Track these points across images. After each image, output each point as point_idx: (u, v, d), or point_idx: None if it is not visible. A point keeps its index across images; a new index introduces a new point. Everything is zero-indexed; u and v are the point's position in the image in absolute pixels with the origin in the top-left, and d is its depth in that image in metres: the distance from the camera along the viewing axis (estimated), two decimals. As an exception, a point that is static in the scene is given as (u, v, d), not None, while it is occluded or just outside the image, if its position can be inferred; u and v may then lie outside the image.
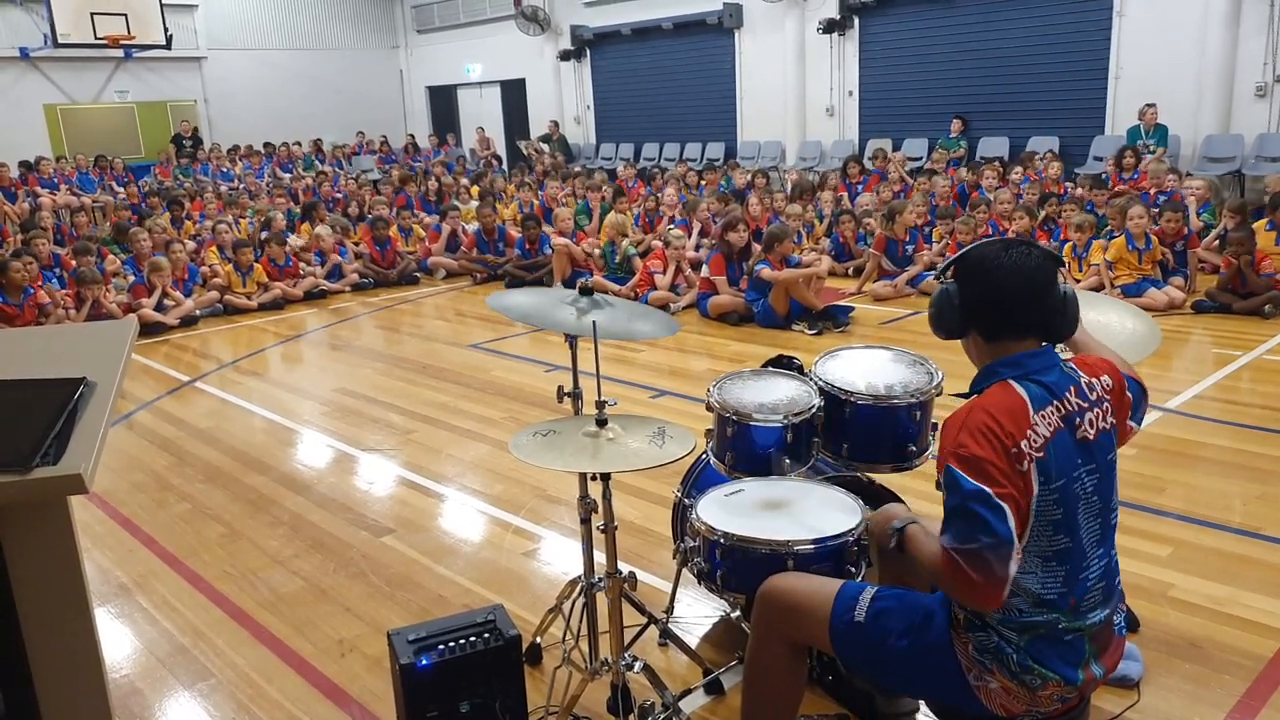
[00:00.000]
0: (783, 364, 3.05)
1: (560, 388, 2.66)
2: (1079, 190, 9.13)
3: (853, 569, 2.29)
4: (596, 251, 9.07)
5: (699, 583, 2.40)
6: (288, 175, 17.55)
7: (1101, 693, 2.55)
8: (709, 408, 2.78)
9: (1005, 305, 1.93)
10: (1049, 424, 1.82)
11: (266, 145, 18.90)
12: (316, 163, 18.86)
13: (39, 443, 1.44)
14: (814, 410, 2.70)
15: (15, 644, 1.56)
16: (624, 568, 2.12)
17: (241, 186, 15.85)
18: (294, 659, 3.10)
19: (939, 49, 13.98)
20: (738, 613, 2.76)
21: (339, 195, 13.67)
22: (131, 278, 8.59)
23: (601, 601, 2.72)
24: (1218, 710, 2.61)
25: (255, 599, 3.51)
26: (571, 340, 2.59)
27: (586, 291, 2.51)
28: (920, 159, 13.51)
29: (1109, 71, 12.48)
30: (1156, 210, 7.76)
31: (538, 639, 2.98)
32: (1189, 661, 2.83)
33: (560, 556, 3.74)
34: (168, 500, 4.51)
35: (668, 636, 2.81)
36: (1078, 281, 7.40)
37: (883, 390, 2.73)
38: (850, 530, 2.26)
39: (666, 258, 8.12)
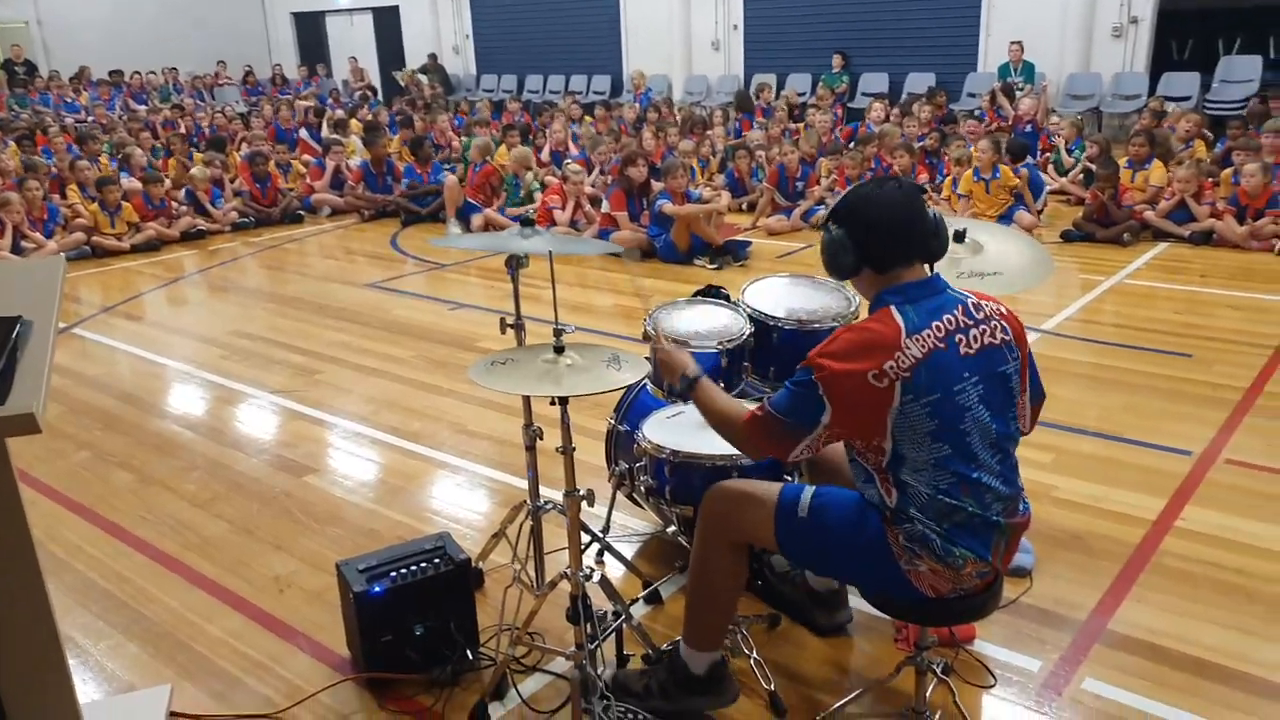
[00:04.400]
0: (711, 294, 3.18)
1: (503, 319, 2.70)
2: (965, 125, 9.51)
3: (789, 477, 2.46)
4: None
5: (646, 500, 2.53)
6: (142, 107, 16.45)
7: (1004, 583, 2.82)
8: (646, 336, 2.88)
9: (891, 236, 2.09)
10: (923, 345, 1.99)
11: (113, 74, 17.61)
12: (174, 94, 17.75)
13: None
14: (745, 337, 2.83)
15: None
16: (581, 488, 2.22)
17: (91, 120, 14.80)
18: (231, 598, 3.09)
19: (820, -17, 14.19)
20: (673, 528, 2.91)
21: (206, 130, 12.98)
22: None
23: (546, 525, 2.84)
24: (1097, 590, 2.93)
25: (179, 543, 3.46)
26: (512, 271, 2.63)
27: (528, 222, 2.55)
28: (805, 94, 13.77)
29: (981, 10, 12.97)
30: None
31: (479, 564, 3.06)
32: (1072, 551, 3.16)
33: (487, 488, 3.82)
34: (64, 449, 4.34)
35: (608, 552, 2.94)
36: (954, 213, 7.80)
37: (805, 315, 2.89)
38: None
39: (565, 192, 8.11)
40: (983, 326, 2.09)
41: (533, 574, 2.85)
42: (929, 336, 2.00)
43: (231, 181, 9.78)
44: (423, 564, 2.65)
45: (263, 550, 3.38)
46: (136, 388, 5.16)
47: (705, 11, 15.46)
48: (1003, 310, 2.15)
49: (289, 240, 8.95)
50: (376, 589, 2.57)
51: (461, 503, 3.72)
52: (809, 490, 2.19)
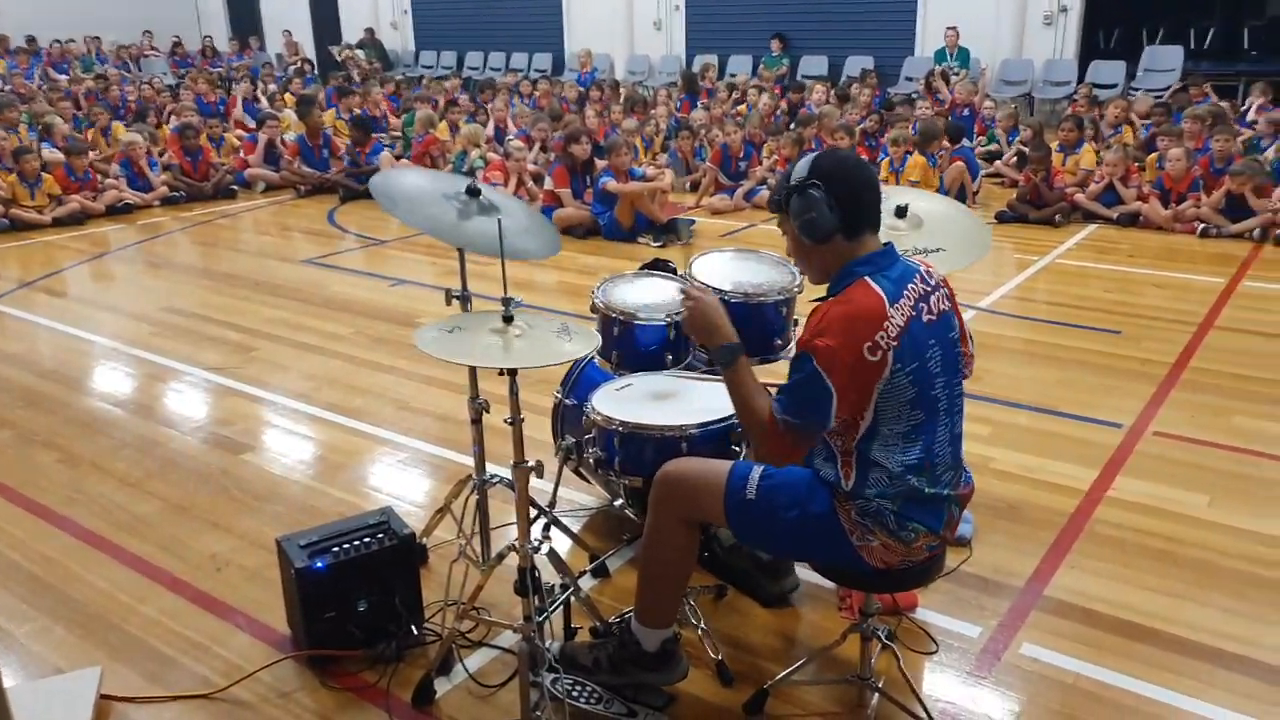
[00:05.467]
0: (658, 267, 3.16)
1: (448, 291, 2.65)
2: (904, 108, 9.63)
3: (736, 449, 2.47)
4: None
5: (595, 472, 2.51)
6: (64, 77, 15.79)
7: (945, 551, 2.88)
8: (594, 309, 2.86)
9: (865, 198, 2.10)
10: (903, 314, 2.02)
11: (30, 40, 16.87)
12: (97, 64, 17.09)
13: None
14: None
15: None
16: (529, 459, 2.19)
17: (8, 88, 14.17)
18: (165, 577, 3.00)
19: (762, -34, 14.20)
20: (620, 501, 2.90)
21: (133, 101, 12.52)
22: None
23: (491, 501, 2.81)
24: (1033, 558, 3.01)
25: (110, 522, 3.34)
26: (461, 251, 2.58)
27: (474, 192, 2.50)
28: (734, 75, 13.77)
29: (917, -5, 13.12)
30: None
31: (424, 540, 3.02)
32: (1009, 521, 3.23)
33: (430, 464, 3.77)
34: (-15, 428, 4.17)
35: (556, 526, 2.92)
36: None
37: (752, 289, 2.90)
38: (732, 415, 2.43)
39: (507, 169, 8.01)
40: (936, 294, 2.12)
41: (478, 549, 2.83)
42: (905, 305, 2.02)
43: (160, 155, 9.46)
44: (366, 539, 2.60)
45: (198, 528, 3.29)
46: (61, 365, 4.97)
47: (648, -10, 15.38)
48: (942, 276, 2.18)
49: (221, 216, 8.70)
50: (319, 564, 2.52)
51: (404, 479, 3.66)
52: (757, 470, 2.19)
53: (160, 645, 2.66)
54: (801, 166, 2.11)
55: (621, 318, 2.77)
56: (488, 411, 2.69)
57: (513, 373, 2.13)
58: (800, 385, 1.99)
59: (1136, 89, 11.24)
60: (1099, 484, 3.46)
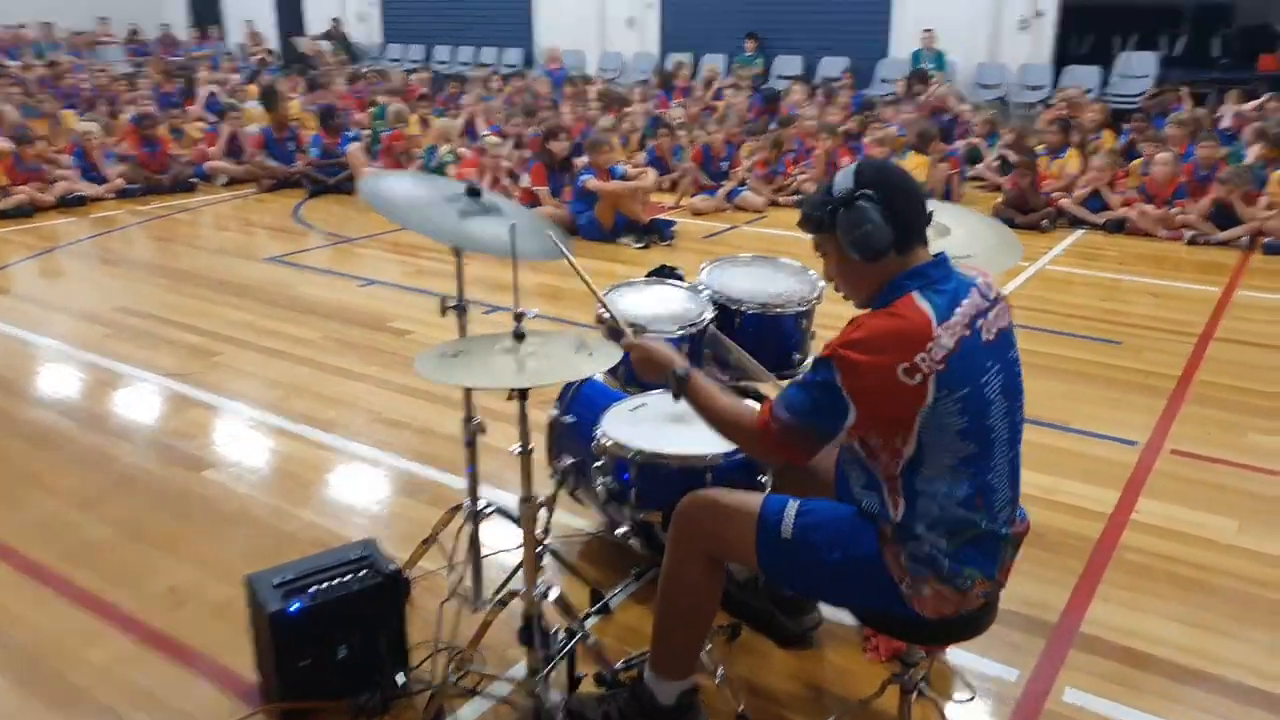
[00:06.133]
0: (664, 275, 2.94)
1: (443, 300, 2.40)
2: (885, 110, 9.49)
3: (762, 478, 2.25)
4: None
5: (606, 504, 2.28)
6: (14, 63, 15.17)
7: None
8: (600, 320, 2.62)
9: (915, 207, 1.89)
10: (953, 334, 1.80)
11: (-20, 26, 16.22)
12: (49, 50, 16.45)
13: None
14: (706, 321, 2.61)
15: None
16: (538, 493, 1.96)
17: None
18: (117, 615, 2.71)
19: (737, -36, 14.02)
20: (622, 529, 2.67)
21: (86, 90, 12.02)
22: None
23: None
24: (1063, 589, 2.83)
25: (56, 550, 3.04)
26: (458, 251, 2.33)
27: (474, 192, 2.25)
28: (711, 68, 13.56)
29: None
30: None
31: (407, 573, 2.76)
32: (1033, 547, 3.01)
33: (411, 484, 3.50)
34: (-81, 441, 3.83)
35: (554, 557, 2.69)
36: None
37: (769, 298, 2.69)
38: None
39: (482, 166, 7.73)
40: (996, 308, 1.91)
41: (470, 584, 2.58)
42: (957, 324, 1.80)
43: (116, 146, 9.03)
44: (346, 576, 2.34)
45: (157, 557, 3.00)
46: (4, 370, 4.62)
47: (621, -12, 15.13)
48: (1001, 289, 1.98)
49: (181, 210, 8.30)
50: (294, 607, 2.25)
51: (383, 500, 3.40)
52: (793, 506, 1.97)
53: (110, 698, 2.38)
54: (844, 178, 1.88)
55: (631, 330, 2.53)
56: (484, 433, 2.44)
57: (523, 394, 1.89)
58: (813, 388, 1.81)
59: (1112, 95, 11.21)
60: (1122, 507, 3.29)
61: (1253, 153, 7.35)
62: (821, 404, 1.80)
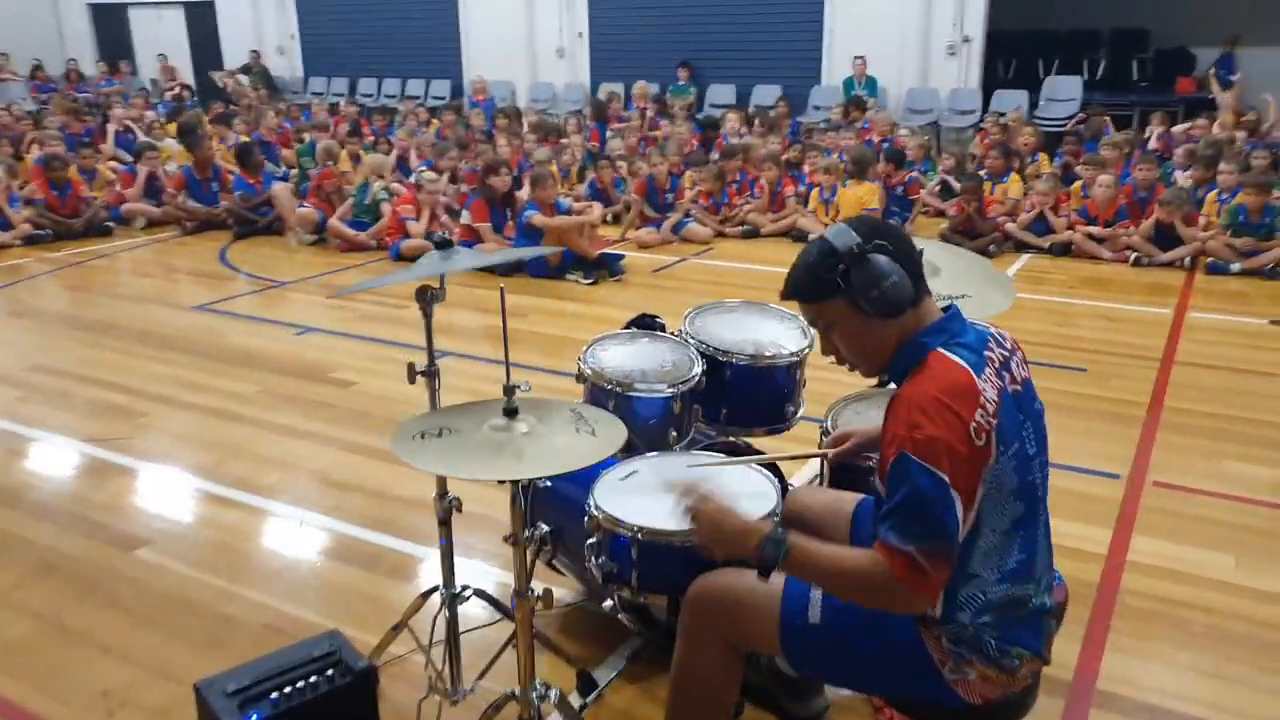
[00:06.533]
0: (643, 324, 2.74)
1: (411, 365, 2.16)
2: (825, 138, 9.49)
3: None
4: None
5: (604, 585, 2.06)
6: (-94, 103, 14.36)
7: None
8: (580, 378, 2.41)
9: (915, 256, 1.74)
10: (994, 386, 1.66)
11: None
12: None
13: None
14: (698, 377, 2.42)
15: None
16: (537, 585, 1.74)
17: None
18: (42, 728, 2.39)
19: (667, -6, 14.05)
20: (611, 604, 2.45)
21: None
22: None
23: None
24: (1073, 641, 2.69)
25: (-33, 652, 2.69)
26: (427, 304, 2.10)
27: (445, 243, 2.03)
28: (652, 97, 13.51)
29: (823, 25, 13.14)
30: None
31: (373, 661, 2.49)
32: (1034, 597, 2.91)
33: (369, 555, 3.22)
34: None
35: (536, 637, 2.45)
36: (824, 225, 7.71)
37: (757, 349, 2.51)
38: (773, 511, 2.02)
39: (419, 202, 7.46)
40: (1015, 358, 1.77)
41: (448, 673, 2.33)
42: (991, 376, 1.65)
43: (21, 189, 8.51)
44: (313, 677, 2.09)
45: (86, 656, 2.67)
46: (-97, 442, 4.20)
47: (549, 18, 15.01)
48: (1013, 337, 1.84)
49: (96, 256, 7.83)
50: (255, 718, 1.98)
51: (337, 575, 3.11)
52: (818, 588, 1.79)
53: (40, 835, 2.07)
54: (844, 234, 1.69)
55: (618, 389, 2.34)
56: (459, 511, 2.21)
57: (527, 486, 1.66)
58: (912, 499, 1.56)
59: (1040, 118, 11.45)
60: (1116, 547, 3.19)
61: (1188, 176, 7.50)
62: (928, 508, 1.55)
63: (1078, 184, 7.57)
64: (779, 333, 2.57)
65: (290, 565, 3.18)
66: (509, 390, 1.68)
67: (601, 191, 8.81)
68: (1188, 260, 6.72)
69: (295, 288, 6.77)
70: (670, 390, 2.37)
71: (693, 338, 2.53)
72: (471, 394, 4.17)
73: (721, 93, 13.78)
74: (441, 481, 2.20)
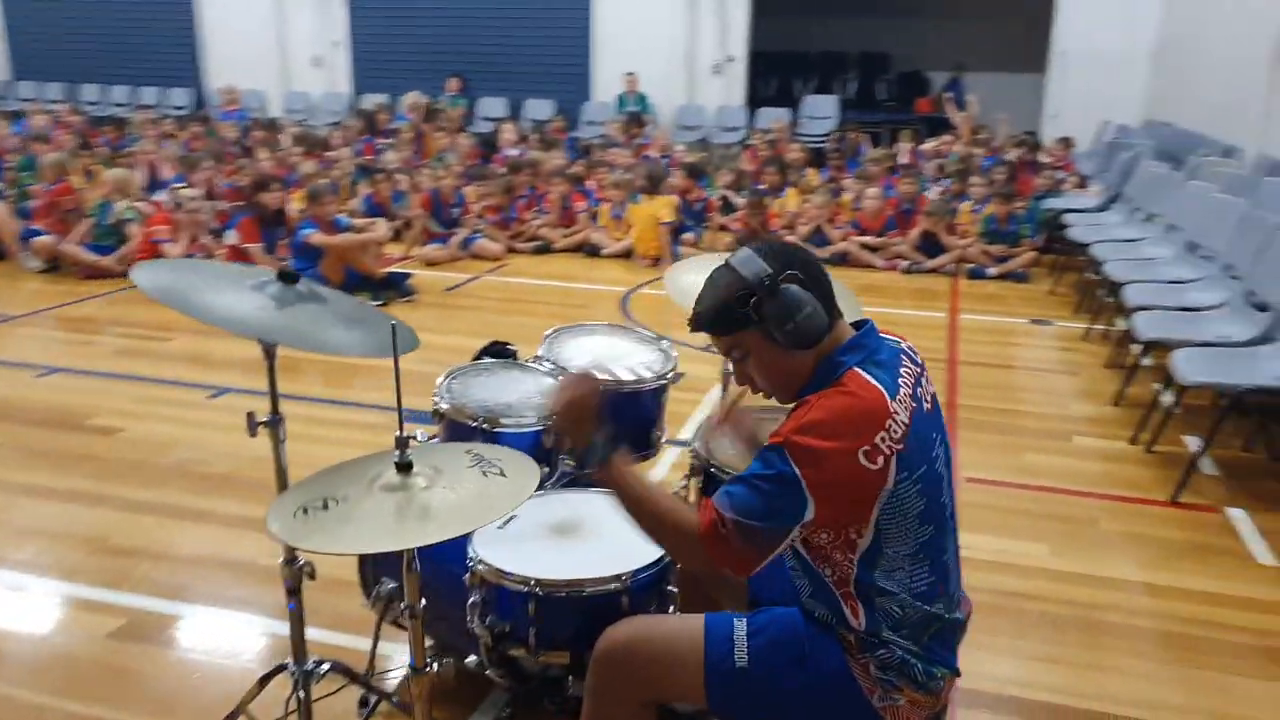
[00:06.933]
0: (495, 352, 2.52)
1: (251, 415, 1.83)
2: (607, 153, 9.50)
3: (674, 589, 1.93)
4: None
5: (491, 647, 1.83)
6: None
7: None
8: (438, 415, 2.17)
9: (825, 277, 1.69)
10: (906, 409, 1.62)
11: None
12: None
13: None
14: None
15: None
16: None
17: None
18: None
19: (432, 3, 13.64)
20: (475, 659, 2.22)
21: None
22: None
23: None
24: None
25: None
26: (269, 348, 1.79)
27: (290, 278, 1.74)
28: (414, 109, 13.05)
29: (590, 40, 13.27)
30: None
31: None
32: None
33: (177, 631, 2.77)
34: None
35: (389, 702, 2.18)
36: (618, 240, 7.71)
37: (627, 374, 2.38)
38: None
39: (176, 222, 6.71)
40: (925, 374, 1.74)
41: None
42: (905, 396, 1.61)
43: None
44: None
45: None
46: None
47: (303, 25, 14.15)
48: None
49: None
50: None
51: (135, 664, 2.64)
52: (740, 625, 1.69)
53: None
54: (750, 263, 1.62)
55: (484, 425, 2.11)
56: (313, 578, 1.91)
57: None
58: (766, 484, 1.54)
59: (801, 135, 12.13)
60: (948, 544, 3.32)
61: (941, 189, 8.15)
62: (777, 501, 1.53)
63: (847, 197, 8.03)
64: (642, 356, 2.45)
65: (80, 656, 2.66)
66: (401, 442, 1.43)
67: (379, 207, 8.34)
68: (951, 267, 7.30)
69: (26, 323, 5.86)
70: (540, 424, 2.18)
71: (553, 363, 2.35)
72: (307, 439, 3.73)
73: (493, 106, 13.57)
74: (290, 547, 1.89)
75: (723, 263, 1.68)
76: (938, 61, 13.39)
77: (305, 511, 1.33)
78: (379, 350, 1.61)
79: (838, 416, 1.54)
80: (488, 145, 10.63)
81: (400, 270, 6.78)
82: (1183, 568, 3.21)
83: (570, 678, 1.92)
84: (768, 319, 1.59)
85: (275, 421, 1.82)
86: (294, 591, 1.90)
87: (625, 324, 2.70)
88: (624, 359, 2.42)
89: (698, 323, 1.68)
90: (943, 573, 1.70)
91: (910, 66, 13.88)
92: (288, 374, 5.23)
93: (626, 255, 7.64)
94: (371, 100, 13.48)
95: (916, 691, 1.66)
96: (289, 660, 1.96)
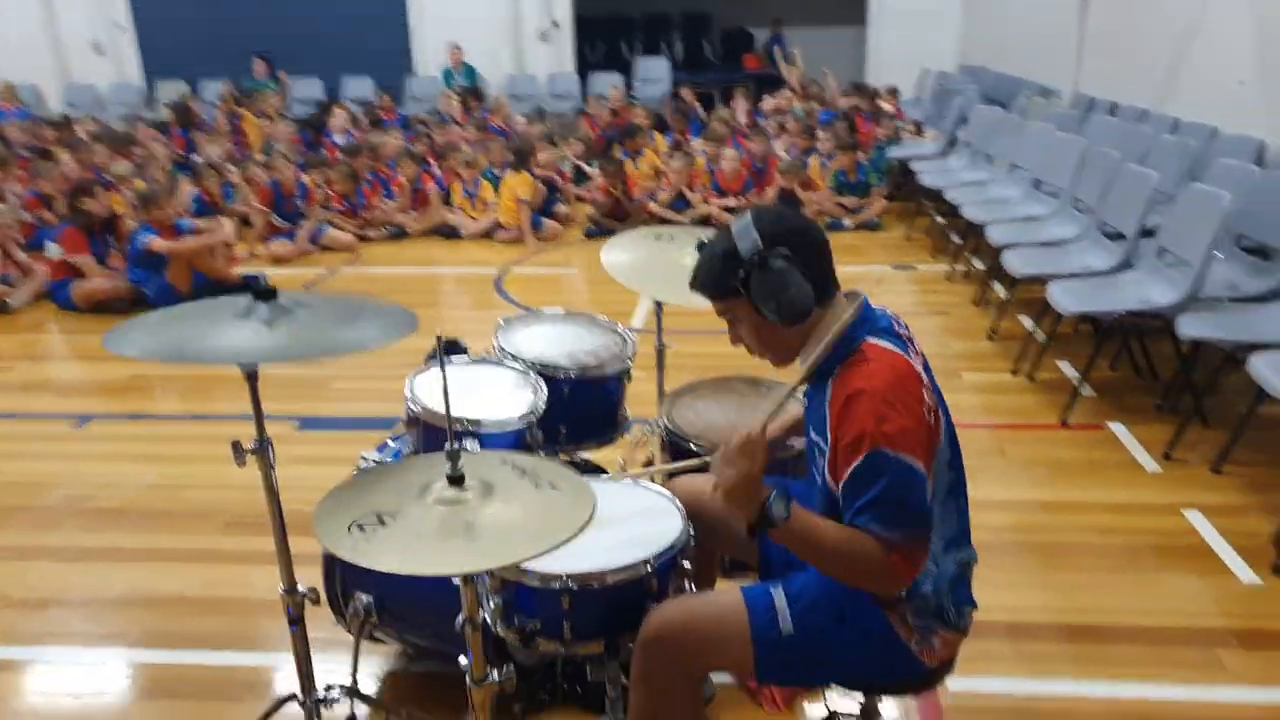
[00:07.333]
0: (449, 350, 2.42)
1: (237, 444, 1.68)
2: (448, 130, 9.23)
3: (688, 564, 1.94)
4: None
5: (524, 646, 1.78)
6: None
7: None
8: (412, 420, 2.07)
9: (825, 252, 1.73)
10: (919, 364, 1.70)
11: None
12: None
13: None
14: (544, 400, 2.20)
15: None
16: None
17: None
18: None
19: (232, -17, 12.76)
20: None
21: None
22: None
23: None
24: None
25: None
26: (251, 374, 1.65)
27: (266, 294, 1.60)
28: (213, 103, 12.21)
29: (407, 14, 12.79)
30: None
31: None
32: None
33: (160, 681, 2.53)
34: None
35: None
36: (474, 219, 7.53)
37: (590, 360, 2.35)
38: (685, 528, 1.90)
39: (-12, 238, 6.02)
40: (916, 342, 1.81)
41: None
42: (915, 355, 1.68)
43: None
44: None
45: None
46: None
47: (75, 8, 12.88)
48: None
49: None
50: None
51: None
52: (778, 593, 1.72)
53: None
54: (746, 234, 1.63)
55: (467, 428, 2.03)
56: (316, 603, 1.79)
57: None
58: (890, 491, 1.54)
59: (635, 99, 12.17)
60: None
61: (787, 145, 8.36)
62: (912, 495, 1.56)
63: (700, 160, 8.13)
64: (601, 340, 2.43)
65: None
66: (453, 455, 1.35)
67: (210, 204, 7.78)
68: (810, 221, 7.54)
69: None
70: (521, 421, 2.11)
71: (514, 357, 2.28)
72: (189, 460, 3.46)
73: (308, 87, 12.86)
74: (287, 570, 1.77)
75: (726, 226, 1.69)
76: (760, 19, 13.71)
77: (361, 529, 1.23)
78: (398, 335, 1.55)
79: (891, 393, 1.57)
80: (311, 129, 10.06)
81: (252, 272, 6.36)
82: (1082, 483, 3.49)
83: (588, 667, 1.91)
84: (755, 293, 1.61)
85: (264, 445, 1.68)
86: (296, 621, 1.79)
87: (573, 311, 2.64)
88: (583, 344, 2.39)
89: (693, 283, 1.72)
90: (965, 515, 1.79)
91: (732, 24, 14.14)
92: (139, 394, 4.89)
93: (487, 235, 7.47)
94: (170, 89, 12.51)
95: (949, 631, 1.75)
96: (297, 691, 1.84)
